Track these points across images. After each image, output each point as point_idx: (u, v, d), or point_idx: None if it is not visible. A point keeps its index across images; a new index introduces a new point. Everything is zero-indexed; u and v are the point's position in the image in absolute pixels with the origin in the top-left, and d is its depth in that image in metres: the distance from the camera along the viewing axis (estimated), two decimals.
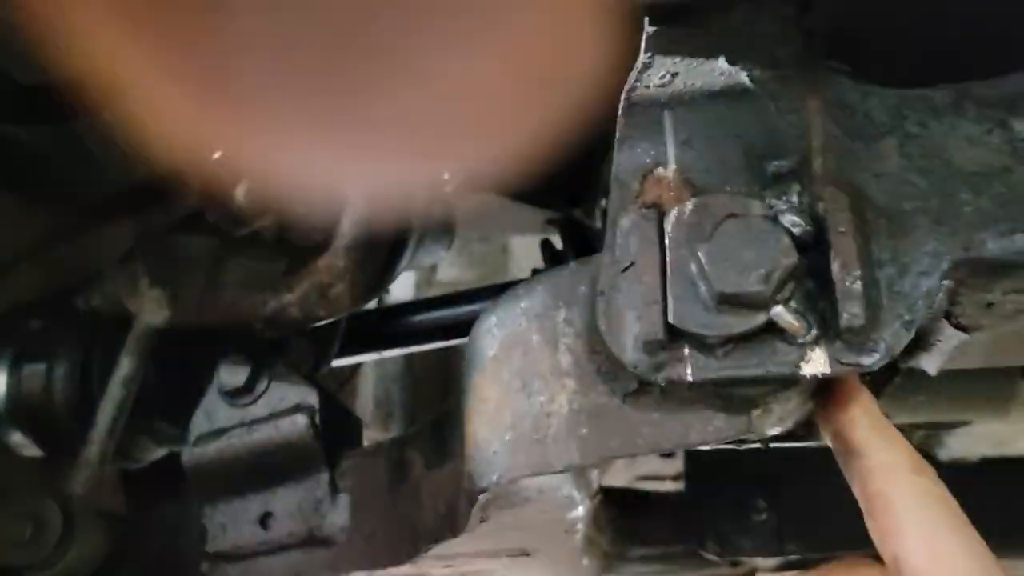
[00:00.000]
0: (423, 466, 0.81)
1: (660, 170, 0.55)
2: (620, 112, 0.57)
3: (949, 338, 0.55)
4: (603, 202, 1.04)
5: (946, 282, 0.49)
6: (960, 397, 0.82)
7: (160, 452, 0.99)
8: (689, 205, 0.52)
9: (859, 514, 1.31)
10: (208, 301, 0.85)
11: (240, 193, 0.97)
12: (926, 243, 0.50)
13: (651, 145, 0.56)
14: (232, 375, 0.89)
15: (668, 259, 0.51)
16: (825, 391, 0.55)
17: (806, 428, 0.63)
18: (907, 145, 0.52)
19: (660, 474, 1.36)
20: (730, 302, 0.49)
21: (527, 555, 0.90)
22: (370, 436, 1.20)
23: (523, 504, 0.67)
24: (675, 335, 0.50)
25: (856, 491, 0.53)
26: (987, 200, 0.50)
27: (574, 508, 0.73)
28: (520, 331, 0.59)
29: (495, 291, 1.05)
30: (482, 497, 0.60)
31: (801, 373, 0.49)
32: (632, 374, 0.53)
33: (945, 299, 0.50)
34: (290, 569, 0.86)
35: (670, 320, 0.50)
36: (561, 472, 0.55)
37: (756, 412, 0.53)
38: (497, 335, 0.60)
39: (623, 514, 1.16)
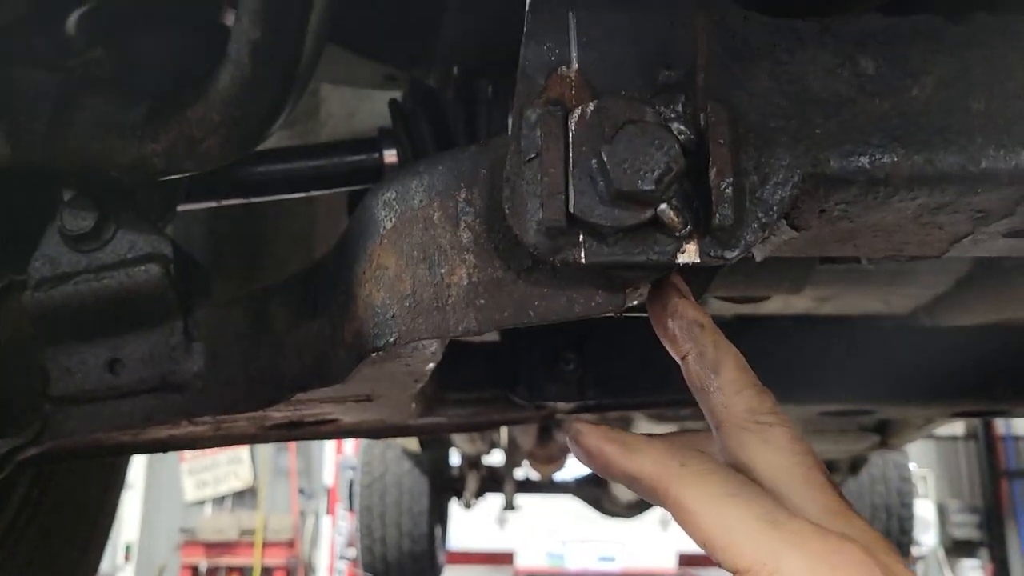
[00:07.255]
0: (289, 318, 0.84)
1: (564, 68, 0.60)
2: (528, 8, 0.61)
3: (782, 234, 0.65)
4: (454, 69, 1.07)
5: (795, 191, 0.59)
6: (769, 278, 0.96)
7: None
8: (591, 107, 0.57)
9: (649, 369, 1.47)
10: (55, 141, 0.81)
11: (71, 21, 0.92)
12: (784, 158, 0.59)
13: (556, 44, 0.60)
14: (76, 219, 0.87)
15: (571, 155, 0.57)
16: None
17: None
18: (776, 70, 0.60)
19: None
20: (625, 198, 0.56)
21: (370, 400, 0.97)
22: None
23: (397, 359, 0.73)
24: (573, 223, 0.57)
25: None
26: (835, 124, 0.59)
27: (433, 362, 0.80)
28: (421, 207, 0.63)
29: (349, 146, 1.07)
30: (375, 355, 0.65)
31: (676, 262, 0.57)
32: (529, 253, 0.59)
33: (789, 204, 0.60)
34: (141, 413, 0.88)
35: (571, 210, 0.56)
36: (459, 337, 0.61)
37: (629, 290, 0.61)
38: (397, 208, 0.64)
39: (444, 363, 1.25)
